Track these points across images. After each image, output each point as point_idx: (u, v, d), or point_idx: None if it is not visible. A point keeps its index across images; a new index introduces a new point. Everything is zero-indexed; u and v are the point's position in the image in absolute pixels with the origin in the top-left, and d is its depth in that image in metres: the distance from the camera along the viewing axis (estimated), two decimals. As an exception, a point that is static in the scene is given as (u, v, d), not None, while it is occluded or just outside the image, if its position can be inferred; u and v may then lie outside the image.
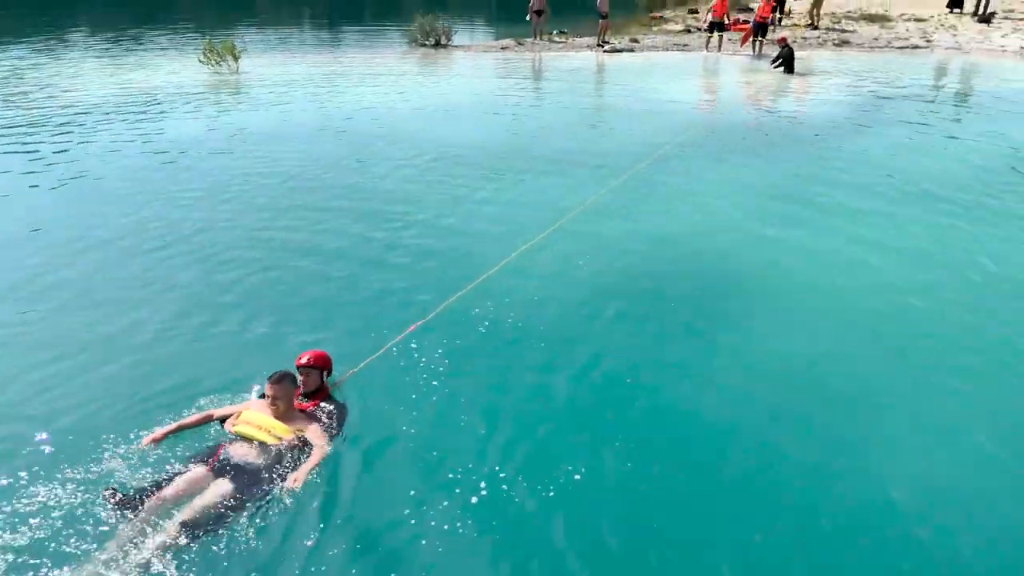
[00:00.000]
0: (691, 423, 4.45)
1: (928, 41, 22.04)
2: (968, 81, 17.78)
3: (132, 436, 3.93)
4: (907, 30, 23.25)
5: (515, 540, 3.48)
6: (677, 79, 16.99)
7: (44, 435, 3.96)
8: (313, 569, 3.21)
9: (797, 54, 18.16)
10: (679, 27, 24.85)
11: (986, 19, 23.45)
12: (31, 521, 3.34)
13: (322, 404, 4.27)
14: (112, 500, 3.38)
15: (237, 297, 5.84)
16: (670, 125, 12.15)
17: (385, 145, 10.62)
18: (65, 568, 3.11)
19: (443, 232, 7.31)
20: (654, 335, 5.46)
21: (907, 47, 21.54)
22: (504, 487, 3.76)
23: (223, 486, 3.59)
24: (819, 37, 22.58)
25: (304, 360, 4.34)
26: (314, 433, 4.00)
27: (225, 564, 3.22)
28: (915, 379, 4.93)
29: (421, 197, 8.36)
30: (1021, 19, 23.79)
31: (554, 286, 6.15)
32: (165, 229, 7.21)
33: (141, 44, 22.00)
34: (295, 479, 3.66)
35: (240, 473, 3.70)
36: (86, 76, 15.96)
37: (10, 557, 3.16)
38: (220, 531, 3.36)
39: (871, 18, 24.69)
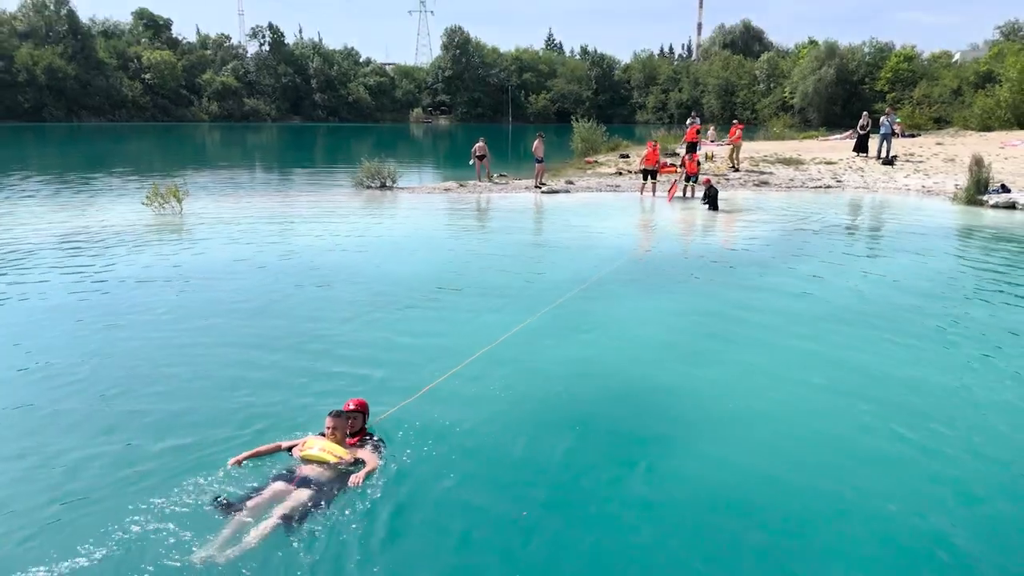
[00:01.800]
0: (610, 543, 4.48)
1: (838, 181, 23.92)
2: (874, 216, 19.19)
3: (226, 462, 5.26)
4: (819, 172, 25.24)
5: None
6: (608, 217, 17.91)
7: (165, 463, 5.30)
8: (369, 551, 4.35)
9: (722, 194, 19.51)
10: (611, 170, 26.46)
11: (889, 162, 25.68)
12: (161, 521, 4.55)
13: (365, 437, 5.61)
14: (221, 505, 4.68)
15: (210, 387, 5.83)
16: (598, 258, 12.73)
17: (316, 280, 10.84)
18: (191, 552, 4.25)
19: (363, 359, 7.45)
20: (566, 457, 5.55)
21: (820, 187, 23.32)
22: None
23: (303, 493, 4.85)
24: (740, 178, 24.32)
25: (351, 407, 5.74)
26: (364, 453, 5.37)
27: (306, 556, 4.29)
28: (828, 503, 5.06)
29: (352, 330, 8.49)
30: (920, 161, 26.12)
31: (476, 411, 6.25)
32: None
33: (88, 186, 22.37)
34: (357, 479, 5.05)
35: (313, 483, 4.96)
36: (22, 217, 16.08)
37: (155, 548, 4.30)
38: (303, 525, 4.54)
39: (786, 161, 26.79)
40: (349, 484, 4.96)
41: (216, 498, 4.73)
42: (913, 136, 33.55)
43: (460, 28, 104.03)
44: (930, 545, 4.55)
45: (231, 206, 18.93)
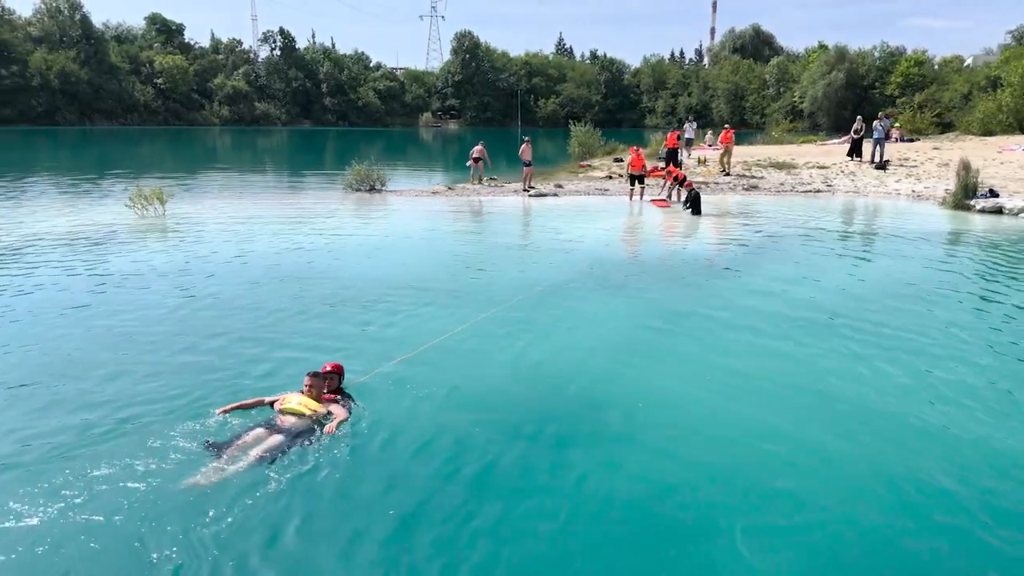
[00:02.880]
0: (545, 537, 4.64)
1: (829, 185, 23.81)
2: (856, 220, 19.09)
3: (214, 412, 6.09)
4: (810, 176, 25.13)
5: None
6: (589, 221, 17.91)
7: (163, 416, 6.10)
8: (333, 488, 5.11)
9: (710, 198, 19.47)
10: (603, 174, 26.47)
11: (882, 166, 25.52)
12: (157, 458, 5.33)
13: (339, 397, 6.38)
14: (210, 446, 5.46)
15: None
16: (564, 261, 12.77)
17: (284, 277, 11.01)
18: (182, 480, 5.04)
19: (325, 342, 8.01)
20: (502, 449, 5.69)
21: (810, 191, 23.21)
22: None
23: (278, 438, 5.61)
24: (730, 182, 24.26)
25: (328, 367, 6.58)
26: (336, 408, 6.16)
27: (275, 485, 5.08)
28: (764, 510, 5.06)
29: (305, 319, 8.62)
30: (914, 166, 25.93)
31: (426, 390, 6.78)
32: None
33: (76, 188, 22.69)
34: (329, 428, 5.83)
35: (288, 431, 5.72)
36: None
37: (153, 477, 5.09)
38: (276, 462, 5.32)
39: (779, 165, 26.69)
40: (323, 432, 5.80)
41: (205, 440, 5.55)
42: (912, 141, 33.29)
43: (470, 33, 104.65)
44: (846, 531, 4.67)
45: (214, 208, 19.12)
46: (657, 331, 8.77)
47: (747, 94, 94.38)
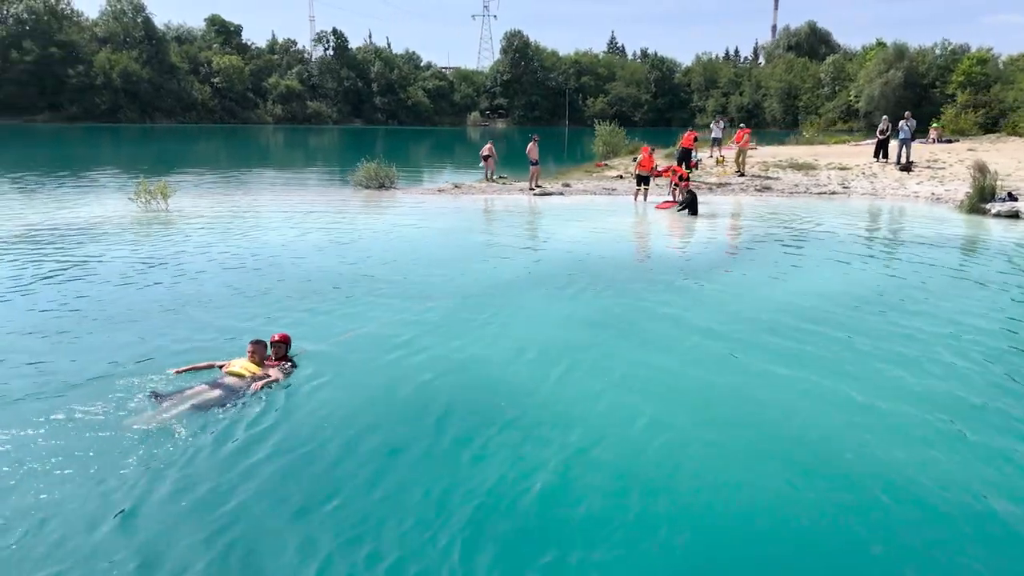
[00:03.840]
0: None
1: (845, 187, 23.10)
2: (858, 223, 18.43)
3: (169, 372, 7.03)
4: (828, 177, 24.41)
5: None
6: (583, 220, 17.82)
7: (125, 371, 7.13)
8: (244, 434, 5.94)
9: (717, 199, 19.14)
10: (616, 174, 26.25)
11: (906, 168, 24.61)
12: (114, 404, 6.30)
13: (286, 363, 7.22)
14: (155, 396, 6.36)
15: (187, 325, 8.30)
16: (534, 259, 12.78)
17: (262, 269, 11.59)
18: (127, 420, 6.01)
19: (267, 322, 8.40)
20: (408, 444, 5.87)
21: (824, 193, 22.57)
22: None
23: (215, 393, 6.45)
24: (742, 183, 23.77)
25: (276, 337, 7.41)
26: (273, 372, 6.98)
27: (211, 431, 5.94)
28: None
29: (261, 305, 8.95)
30: (941, 168, 24.92)
31: (357, 370, 7.41)
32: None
33: (97, 182, 23.72)
34: (257, 386, 6.66)
35: (224, 388, 6.55)
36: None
37: (108, 416, 6.08)
38: (210, 412, 6.19)
39: (798, 166, 25.99)
40: (249, 390, 6.61)
41: (152, 391, 6.49)
42: (950, 141, 31.90)
43: (519, 32, 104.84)
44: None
45: (216, 203, 19.77)
46: (592, 332, 8.70)
47: (800, 93, 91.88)
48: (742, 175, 24.89)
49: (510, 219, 18.78)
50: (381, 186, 23.47)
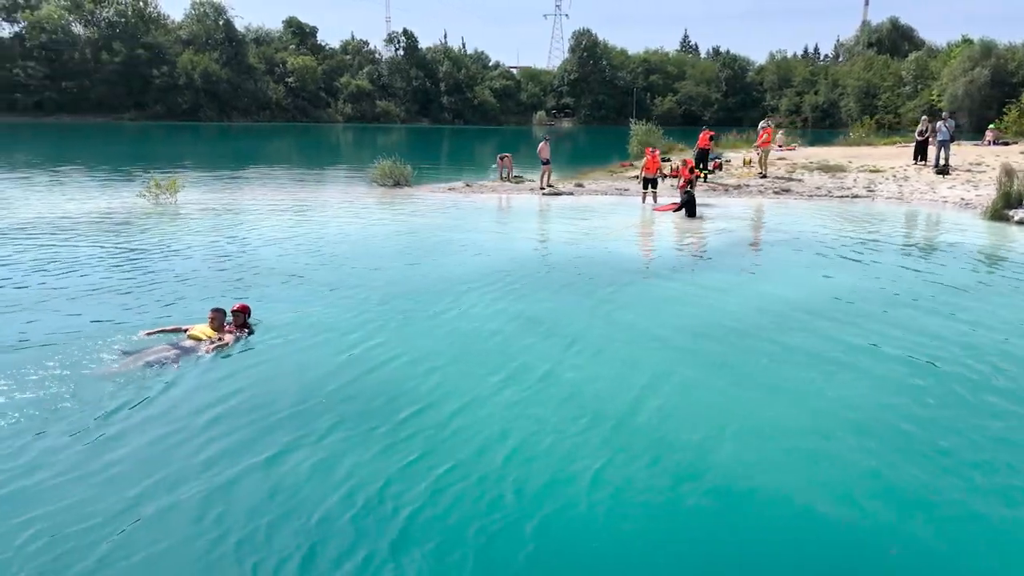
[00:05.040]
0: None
1: (870, 191, 22.04)
2: (864, 228, 17.49)
3: (141, 334, 8.14)
4: (855, 180, 23.32)
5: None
6: (578, 221, 17.68)
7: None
8: (186, 387, 6.90)
9: (731, 201, 18.66)
10: (634, 174, 25.84)
11: (943, 171, 23.27)
12: (88, 357, 7.42)
13: (240, 330, 8.16)
14: (122, 352, 7.49)
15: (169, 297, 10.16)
16: (505, 259, 12.77)
17: (242, 263, 12.09)
18: (95, 368, 7.17)
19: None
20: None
21: (847, 196, 21.60)
22: None
23: (171, 352, 7.49)
24: (761, 185, 23.02)
25: (236, 306, 8.38)
26: (228, 337, 7.93)
27: (162, 380, 6.97)
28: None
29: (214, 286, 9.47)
30: (983, 172, 23.42)
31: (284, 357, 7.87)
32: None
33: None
34: (209, 348, 7.69)
35: (180, 348, 7.62)
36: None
37: (80, 366, 7.18)
38: (165, 367, 7.23)
39: (827, 168, 24.93)
40: (201, 351, 7.63)
41: (120, 348, 7.60)
42: (1006, 144, 29.86)
43: (588, 31, 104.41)
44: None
45: (225, 198, 20.60)
46: (522, 333, 8.67)
47: (880, 92, 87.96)
48: (764, 176, 24.09)
49: (504, 218, 18.82)
50: (396, 184, 23.88)
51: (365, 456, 5.64)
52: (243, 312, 8.35)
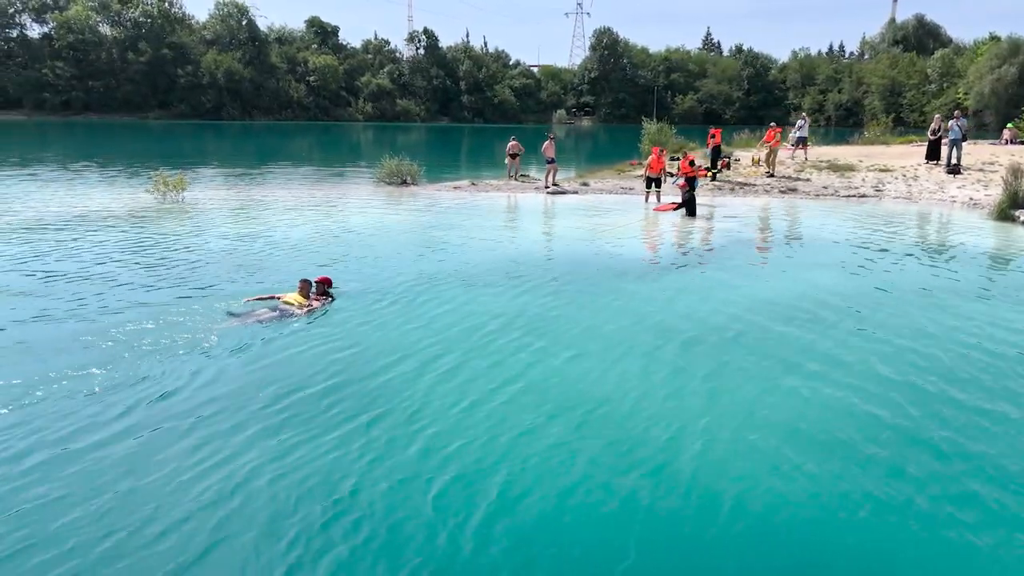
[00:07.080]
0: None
1: (878, 191, 21.80)
2: (863, 228, 17.28)
3: (244, 300, 9.67)
4: (863, 180, 23.07)
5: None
6: (577, 219, 17.75)
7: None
8: (284, 344, 8.20)
9: (736, 200, 18.57)
10: (639, 172, 25.78)
11: (955, 170, 22.95)
12: (205, 317, 8.96)
13: (323, 298, 9.68)
14: (231, 313, 9.07)
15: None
16: (488, 258, 12.90)
17: (237, 258, 12.32)
18: (215, 325, 8.68)
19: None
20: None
21: (853, 196, 21.40)
22: None
23: (271, 313, 9.03)
24: (767, 184, 22.86)
25: (319, 278, 9.91)
26: (316, 303, 9.44)
27: (264, 336, 8.38)
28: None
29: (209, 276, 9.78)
30: (995, 171, 23.03)
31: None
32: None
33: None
34: (302, 312, 9.15)
35: (278, 311, 9.12)
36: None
37: (200, 326, 8.63)
38: (270, 325, 8.74)
39: (835, 167, 24.68)
40: (298, 314, 9.10)
41: (228, 311, 9.13)
42: (1023, 143, 29.32)
43: (609, 29, 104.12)
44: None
45: (229, 195, 20.92)
46: (493, 332, 8.75)
47: (905, 90, 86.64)
48: (771, 175, 23.92)
49: (502, 217, 18.90)
50: (403, 182, 24.06)
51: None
52: (324, 283, 9.86)
